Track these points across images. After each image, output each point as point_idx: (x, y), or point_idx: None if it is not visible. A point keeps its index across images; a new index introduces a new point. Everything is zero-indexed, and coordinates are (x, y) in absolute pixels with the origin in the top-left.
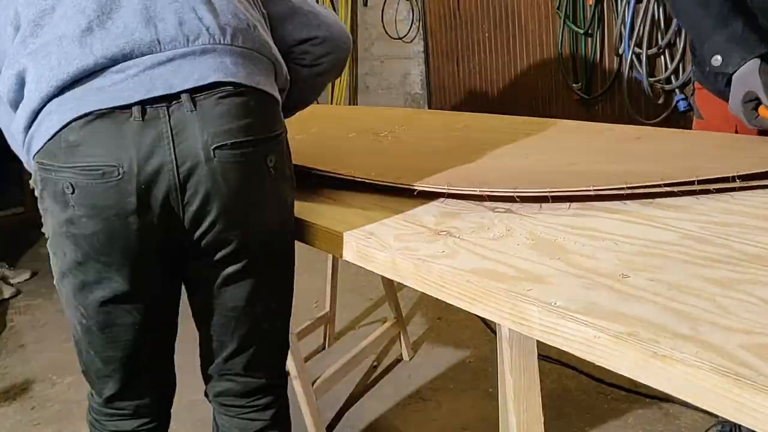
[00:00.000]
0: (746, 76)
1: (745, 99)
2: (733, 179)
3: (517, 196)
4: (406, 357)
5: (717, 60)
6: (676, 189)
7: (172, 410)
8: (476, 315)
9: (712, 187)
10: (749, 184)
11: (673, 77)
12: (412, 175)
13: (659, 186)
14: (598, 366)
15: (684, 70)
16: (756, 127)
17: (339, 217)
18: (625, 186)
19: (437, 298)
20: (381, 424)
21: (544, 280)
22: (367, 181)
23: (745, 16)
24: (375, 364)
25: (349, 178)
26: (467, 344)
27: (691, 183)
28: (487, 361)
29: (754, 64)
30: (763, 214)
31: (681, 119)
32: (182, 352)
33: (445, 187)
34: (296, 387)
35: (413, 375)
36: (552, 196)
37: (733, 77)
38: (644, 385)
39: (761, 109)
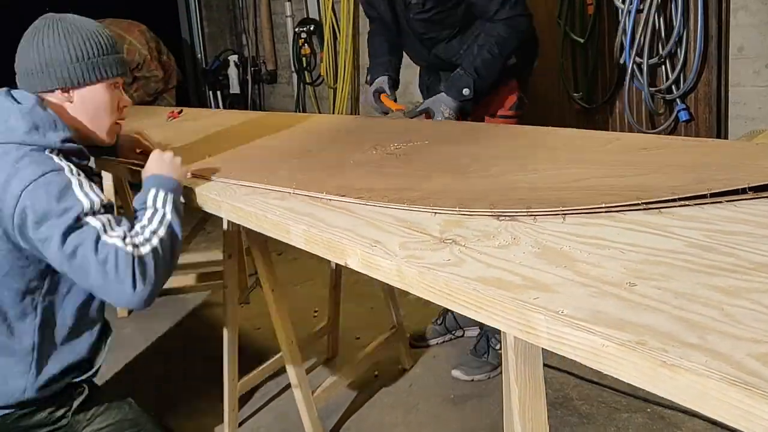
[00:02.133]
0: (379, 82)
1: (376, 91)
2: (744, 191)
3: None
4: (406, 366)
5: (368, 78)
6: (690, 203)
7: (175, 426)
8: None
9: (724, 199)
10: (760, 196)
11: (674, 87)
12: (422, 196)
13: (673, 201)
14: (598, 372)
15: (685, 80)
16: (379, 110)
17: (343, 225)
18: (639, 202)
19: (438, 307)
20: None
21: (551, 288)
22: (378, 206)
23: (395, 55)
24: (376, 373)
25: (361, 204)
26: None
27: (704, 197)
28: None
29: (384, 78)
30: None
31: (682, 129)
32: (189, 368)
33: (457, 210)
34: (297, 396)
35: (414, 384)
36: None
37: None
38: (643, 390)
39: (383, 97)
